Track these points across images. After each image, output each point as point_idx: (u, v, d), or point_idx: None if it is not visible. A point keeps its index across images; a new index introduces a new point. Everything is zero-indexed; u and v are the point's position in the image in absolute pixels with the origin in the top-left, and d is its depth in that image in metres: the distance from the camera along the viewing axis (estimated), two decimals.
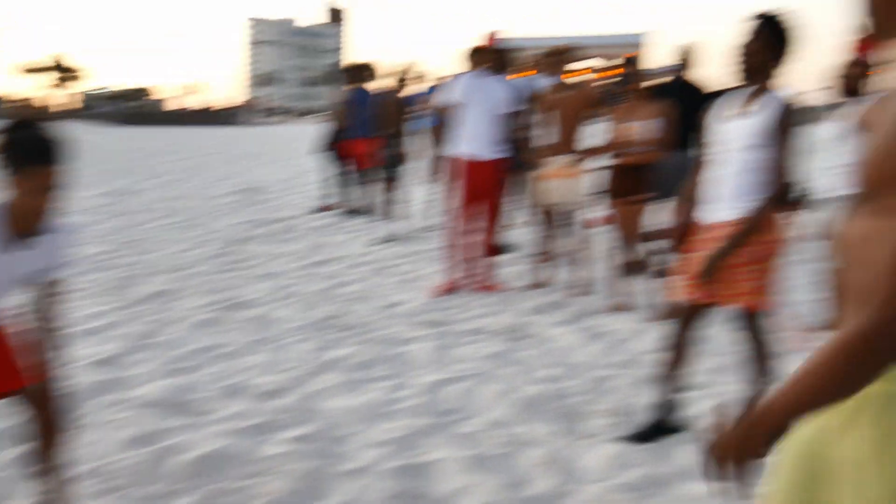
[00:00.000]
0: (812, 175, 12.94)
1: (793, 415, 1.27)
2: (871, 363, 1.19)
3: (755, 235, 3.24)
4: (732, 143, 3.28)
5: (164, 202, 11.52)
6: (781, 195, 3.20)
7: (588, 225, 6.18)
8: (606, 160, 5.67)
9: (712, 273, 3.24)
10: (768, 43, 3.18)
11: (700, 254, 3.38)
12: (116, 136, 36.91)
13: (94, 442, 3.43)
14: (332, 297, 6.07)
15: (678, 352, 3.51)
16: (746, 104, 3.28)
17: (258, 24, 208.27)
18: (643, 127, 5.36)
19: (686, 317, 3.47)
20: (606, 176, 5.65)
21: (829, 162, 4.59)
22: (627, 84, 5.43)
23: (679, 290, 3.45)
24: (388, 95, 8.50)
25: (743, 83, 3.31)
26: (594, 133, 6.00)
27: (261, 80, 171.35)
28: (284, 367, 4.50)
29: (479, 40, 6.16)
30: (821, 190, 4.68)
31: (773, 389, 1.31)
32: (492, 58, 6.14)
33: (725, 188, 3.31)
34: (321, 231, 9.17)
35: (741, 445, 1.32)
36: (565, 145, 6.01)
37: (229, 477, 3.16)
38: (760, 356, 3.42)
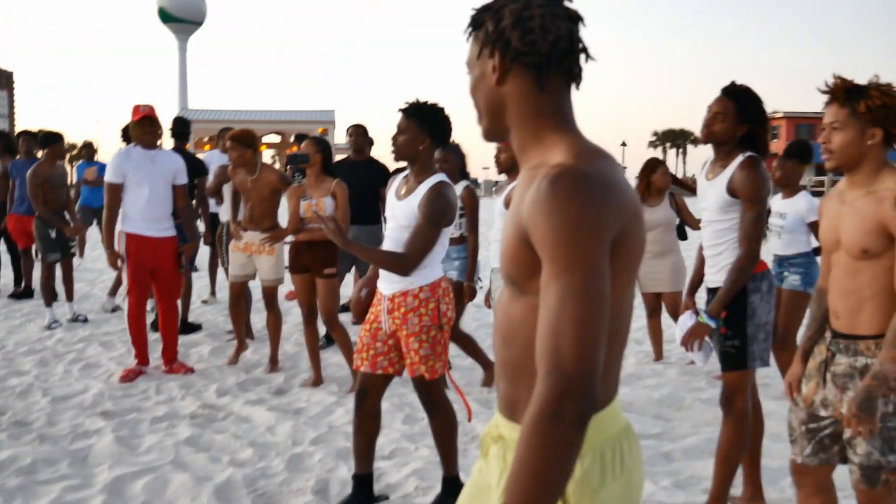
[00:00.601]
0: (486, 246, 14.04)
1: None
2: (568, 440, 1.21)
3: (420, 307, 3.44)
4: (396, 220, 3.50)
5: None
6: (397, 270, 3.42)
7: (270, 301, 6.10)
8: (291, 236, 5.70)
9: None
10: (416, 133, 3.42)
11: (369, 325, 3.54)
12: None
13: None
14: None
15: (368, 421, 3.60)
16: (405, 186, 3.52)
17: None
18: (319, 203, 5.47)
19: (368, 387, 3.57)
20: (290, 252, 5.67)
21: (496, 234, 5.03)
22: (304, 161, 5.50)
23: (359, 361, 3.56)
24: (49, 168, 7.81)
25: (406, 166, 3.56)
26: (283, 209, 6.02)
27: None
28: None
29: (134, 112, 5.84)
30: (493, 259, 5.10)
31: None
32: (150, 131, 5.81)
33: None
34: None
35: None
36: (256, 221, 5.97)
37: None
38: (441, 419, 3.59)
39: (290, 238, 5.80)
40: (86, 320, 7.91)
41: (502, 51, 1.45)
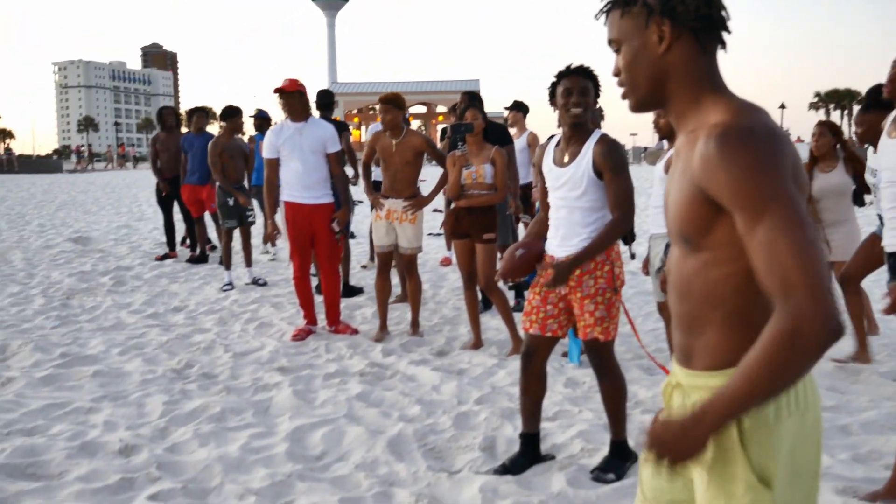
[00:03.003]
0: (645, 211, 13.77)
1: (733, 413, 1.34)
2: (802, 355, 1.28)
3: (596, 269, 3.44)
4: (564, 188, 3.49)
5: None
6: (616, 230, 3.41)
7: (410, 268, 6.20)
8: (447, 203, 5.78)
9: (560, 283, 3.42)
10: (586, 94, 3.42)
11: (539, 288, 3.56)
12: None
13: None
14: (181, 348, 5.85)
15: (534, 382, 3.65)
16: (566, 152, 3.51)
17: (71, 66, 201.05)
18: (479, 170, 5.53)
19: (536, 349, 3.62)
20: (448, 218, 5.77)
21: (655, 200, 4.92)
22: (469, 130, 5.57)
23: (528, 323, 3.61)
24: (227, 139, 8.32)
25: (562, 129, 3.55)
26: (431, 177, 6.08)
27: (82, 124, 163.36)
28: (137, 421, 4.29)
29: (284, 85, 5.99)
30: (652, 226, 5.01)
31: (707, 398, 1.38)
32: (284, 103, 6.01)
33: (560, 227, 3.52)
34: (164, 279, 8.82)
35: (681, 443, 1.39)
36: (398, 189, 6.05)
37: None
38: (612, 383, 3.60)
39: (442, 204, 5.89)
40: (264, 284, 8.37)
41: (671, 18, 1.47)
